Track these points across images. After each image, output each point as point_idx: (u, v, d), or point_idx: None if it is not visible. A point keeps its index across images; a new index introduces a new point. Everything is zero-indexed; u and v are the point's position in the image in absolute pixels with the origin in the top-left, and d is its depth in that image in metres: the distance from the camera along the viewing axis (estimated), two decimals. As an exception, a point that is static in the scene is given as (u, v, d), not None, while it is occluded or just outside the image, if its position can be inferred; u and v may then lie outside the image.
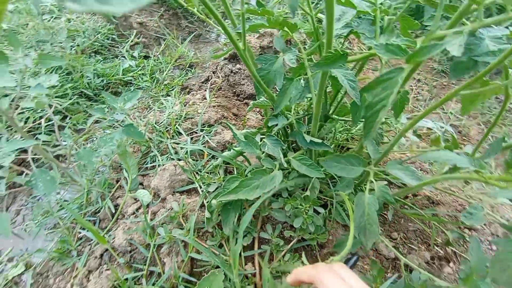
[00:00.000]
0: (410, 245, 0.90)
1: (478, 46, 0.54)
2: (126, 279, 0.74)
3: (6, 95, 0.98)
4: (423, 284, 0.63)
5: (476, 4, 0.45)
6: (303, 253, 0.76)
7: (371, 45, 0.68)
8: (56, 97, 1.57)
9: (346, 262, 0.71)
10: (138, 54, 2.04)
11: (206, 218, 0.78)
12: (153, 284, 0.75)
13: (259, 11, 0.78)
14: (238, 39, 0.72)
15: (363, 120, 0.55)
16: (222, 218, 0.76)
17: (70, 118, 1.48)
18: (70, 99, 1.58)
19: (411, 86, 1.71)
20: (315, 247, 0.84)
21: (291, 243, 0.83)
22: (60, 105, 1.50)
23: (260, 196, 0.71)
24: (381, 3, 0.68)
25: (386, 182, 0.86)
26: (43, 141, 1.05)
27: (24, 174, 1.16)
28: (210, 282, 0.61)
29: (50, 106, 1.41)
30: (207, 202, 0.75)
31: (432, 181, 0.63)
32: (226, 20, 0.83)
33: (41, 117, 1.36)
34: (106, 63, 1.93)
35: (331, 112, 1.07)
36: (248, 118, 1.29)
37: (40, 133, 1.32)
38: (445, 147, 0.74)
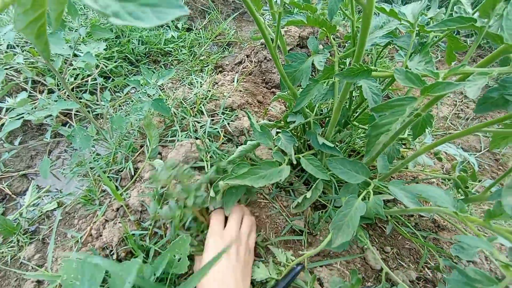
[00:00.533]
0: (400, 262, 0.90)
1: None
2: (134, 234, 0.86)
3: (61, 55, 1.10)
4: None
5: (510, 48, 0.41)
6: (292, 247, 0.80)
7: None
8: (104, 58, 1.71)
9: (291, 271, 0.75)
10: (182, 25, 2.10)
11: (211, 197, 0.85)
12: (155, 243, 0.86)
13: (301, 5, 0.76)
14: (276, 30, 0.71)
15: (367, 137, 0.55)
16: (224, 200, 0.83)
17: (113, 80, 1.62)
18: (115, 62, 1.71)
19: (455, 101, 1.57)
20: (304, 243, 0.88)
21: (282, 233, 0.88)
22: (106, 67, 1.64)
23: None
24: (420, 24, 0.64)
25: (392, 197, 0.85)
26: (86, 100, 1.18)
27: (68, 125, 1.33)
28: (179, 246, 0.69)
29: (97, 66, 1.56)
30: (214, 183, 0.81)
31: (425, 209, 0.62)
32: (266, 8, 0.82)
33: (88, 75, 1.51)
34: (152, 30, 2.02)
35: (353, 118, 1.05)
36: (270, 108, 1.30)
37: (85, 91, 1.48)
38: (458, 177, 0.70)
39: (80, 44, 1.07)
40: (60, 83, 1.41)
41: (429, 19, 0.72)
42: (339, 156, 0.83)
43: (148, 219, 0.90)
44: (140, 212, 0.92)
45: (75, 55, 1.00)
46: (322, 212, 0.95)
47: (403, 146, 1.15)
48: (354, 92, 1.10)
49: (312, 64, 0.82)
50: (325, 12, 0.80)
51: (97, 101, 1.24)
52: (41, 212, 1.00)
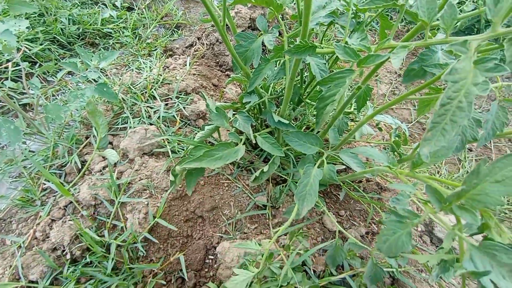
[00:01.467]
0: (352, 222, 1.02)
1: (430, 57, 0.59)
2: (89, 229, 0.79)
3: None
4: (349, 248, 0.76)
5: (425, 24, 0.48)
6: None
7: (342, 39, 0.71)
8: (26, 40, 1.47)
9: None
10: (121, 4, 1.90)
11: (171, 181, 0.83)
12: (115, 238, 0.81)
13: None
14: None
15: (315, 109, 0.59)
16: (186, 182, 0.81)
17: (40, 65, 1.41)
18: (41, 44, 1.48)
19: (391, 80, 1.77)
20: (268, 216, 0.92)
21: (247, 209, 0.91)
22: (30, 50, 1.41)
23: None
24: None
25: (344, 167, 0.94)
26: (9, 88, 1.01)
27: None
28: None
29: (19, 49, 1.32)
30: (165, 165, 0.79)
31: (369, 171, 0.71)
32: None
33: (8, 61, 1.28)
34: (84, 8, 1.79)
35: (305, 97, 1.11)
36: (226, 91, 1.29)
37: (6, 78, 1.26)
38: (393, 142, 0.82)
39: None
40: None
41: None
42: (293, 131, 0.88)
43: (104, 213, 0.84)
44: (94, 206, 0.85)
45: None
46: (282, 186, 1.01)
47: (351, 121, 1.26)
48: (304, 72, 1.16)
49: (263, 44, 0.84)
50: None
51: (23, 89, 1.07)
52: (-35, 221, 0.85)
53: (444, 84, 0.53)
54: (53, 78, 1.28)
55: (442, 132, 0.39)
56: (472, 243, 0.47)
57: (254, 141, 0.84)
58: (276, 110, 0.96)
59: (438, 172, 1.38)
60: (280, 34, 1.58)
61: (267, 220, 0.93)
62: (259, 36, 0.83)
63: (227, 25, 0.78)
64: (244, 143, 0.81)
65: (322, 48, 0.63)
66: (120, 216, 0.84)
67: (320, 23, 0.81)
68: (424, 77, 0.58)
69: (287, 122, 0.87)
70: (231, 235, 0.88)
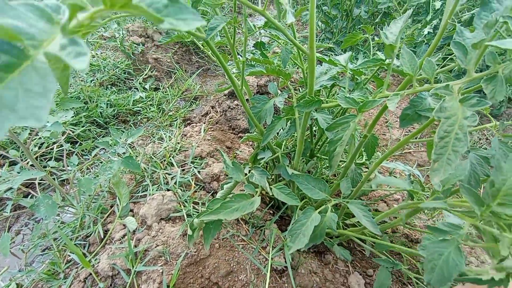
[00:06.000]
0: None
1: (420, 103, 0.62)
2: (104, 304, 0.79)
3: (26, 128, 1.11)
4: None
5: (410, 76, 0.54)
6: None
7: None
8: (71, 124, 1.73)
9: None
10: (149, 86, 2.24)
11: (188, 235, 0.83)
12: (129, 311, 0.79)
13: (261, 60, 0.93)
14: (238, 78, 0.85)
15: (327, 154, 0.63)
16: (203, 236, 0.82)
17: (80, 144, 1.62)
18: (83, 126, 1.73)
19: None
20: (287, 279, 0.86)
21: (263, 272, 0.86)
22: (73, 132, 1.65)
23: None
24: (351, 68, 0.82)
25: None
26: (52, 167, 1.16)
27: (29, 196, 1.27)
28: None
29: (63, 133, 1.56)
30: (182, 227, 0.80)
31: (384, 215, 0.67)
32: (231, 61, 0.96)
33: (54, 143, 1.50)
34: (120, 94, 2.12)
35: (316, 151, 1.15)
36: (240, 151, 1.37)
37: (51, 158, 1.46)
38: (410, 190, 0.78)
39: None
40: (23, 154, 1.38)
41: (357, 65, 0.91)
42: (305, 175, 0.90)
43: (120, 284, 0.84)
44: (111, 278, 0.86)
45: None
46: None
47: (363, 171, 1.24)
48: (313, 127, 1.22)
49: (275, 106, 0.95)
50: (280, 63, 0.97)
51: (63, 167, 1.22)
52: (-4, 298, 0.89)
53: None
54: (89, 155, 1.46)
55: (447, 162, 0.43)
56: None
57: (270, 193, 0.86)
58: (288, 163, 0.99)
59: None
60: (289, 97, 1.73)
61: (285, 284, 0.86)
62: (271, 99, 0.94)
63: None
64: (259, 195, 0.83)
65: (327, 102, 0.70)
66: (135, 287, 0.83)
67: (324, 85, 0.92)
68: (419, 120, 0.61)
69: (300, 173, 0.89)
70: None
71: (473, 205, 0.48)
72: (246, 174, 0.92)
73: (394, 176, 0.99)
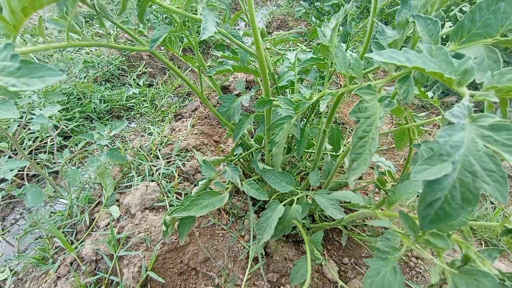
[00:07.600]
0: (358, 270, 0.95)
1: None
2: (88, 285, 0.84)
3: (16, 120, 1.16)
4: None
5: (344, 75, 0.57)
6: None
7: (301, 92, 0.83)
8: (65, 119, 1.78)
9: None
10: (143, 82, 2.28)
11: (163, 231, 0.88)
12: (111, 293, 0.84)
13: (230, 56, 0.96)
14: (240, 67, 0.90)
15: (270, 150, 0.67)
16: (179, 231, 0.86)
17: (73, 138, 1.67)
18: (77, 121, 1.78)
19: (392, 120, 1.79)
20: (262, 267, 0.91)
21: (239, 259, 0.90)
22: (67, 127, 1.70)
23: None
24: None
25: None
26: (42, 159, 1.21)
27: (23, 187, 1.33)
28: None
29: (57, 127, 1.61)
30: (163, 218, 0.85)
31: (348, 217, 0.71)
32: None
33: (48, 137, 1.56)
34: (114, 90, 2.16)
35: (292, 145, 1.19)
36: (224, 147, 1.41)
37: (45, 152, 1.51)
38: (377, 179, 0.82)
39: (34, 109, 1.15)
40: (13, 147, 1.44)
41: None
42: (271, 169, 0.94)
43: (104, 268, 0.89)
44: (95, 262, 0.91)
45: (30, 119, 1.08)
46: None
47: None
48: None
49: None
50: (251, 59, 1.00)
51: (54, 159, 1.27)
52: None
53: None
54: (84, 146, 1.51)
55: (364, 162, 0.43)
56: (453, 271, 0.45)
57: (241, 189, 0.90)
58: (259, 158, 1.03)
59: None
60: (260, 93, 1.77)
61: (260, 271, 0.91)
62: (238, 97, 0.97)
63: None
64: (230, 191, 0.88)
65: (277, 100, 0.74)
66: (117, 271, 0.88)
67: (290, 80, 0.96)
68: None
69: (270, 168, 0.93)
70: (223, 287, 0.86)
71: (409, 231, 0.51)
72: (219, 170, 0.96)
73: (371, 167, 1.03)
